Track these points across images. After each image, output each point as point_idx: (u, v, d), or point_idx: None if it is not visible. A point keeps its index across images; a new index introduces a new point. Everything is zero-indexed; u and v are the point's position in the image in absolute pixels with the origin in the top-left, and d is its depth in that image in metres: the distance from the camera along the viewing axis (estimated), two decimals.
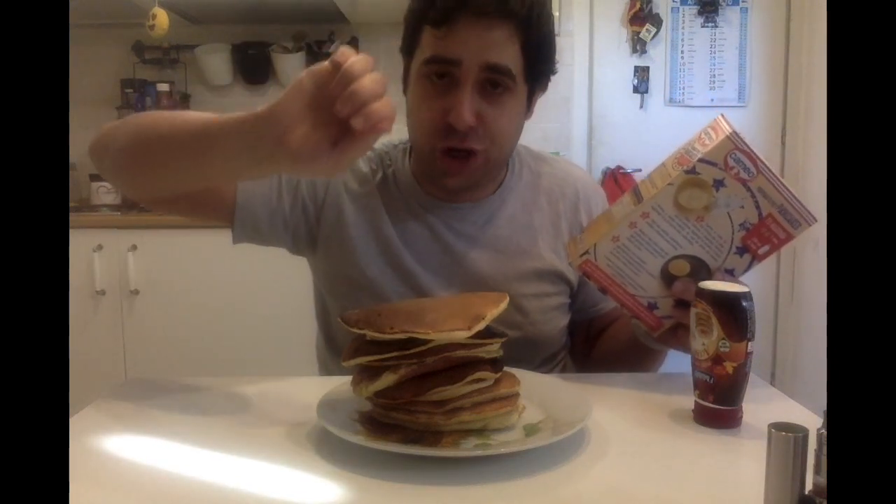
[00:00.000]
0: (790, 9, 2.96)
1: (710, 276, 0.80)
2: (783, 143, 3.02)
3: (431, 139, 0.93)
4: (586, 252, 0.78)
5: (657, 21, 2.98)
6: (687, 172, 0.75)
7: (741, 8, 3.00)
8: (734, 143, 0.74)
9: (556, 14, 2.98)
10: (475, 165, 0.93)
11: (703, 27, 3.01)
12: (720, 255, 0.80)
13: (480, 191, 1.02)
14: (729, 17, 3.00)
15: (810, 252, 2.87)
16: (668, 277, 0.80)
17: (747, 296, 0.73)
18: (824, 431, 0.50)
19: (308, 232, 1.01)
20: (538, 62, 0.94)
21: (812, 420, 0.70)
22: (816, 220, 0.78)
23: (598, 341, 1.07)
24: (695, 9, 2.99)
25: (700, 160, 0.74)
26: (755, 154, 0.75)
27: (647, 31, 2.98)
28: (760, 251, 0.80)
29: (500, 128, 0.92)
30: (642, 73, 3.02)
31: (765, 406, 0.80)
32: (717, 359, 0.73)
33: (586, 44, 3.01)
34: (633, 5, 2.97)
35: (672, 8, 3.00)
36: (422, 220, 1.01)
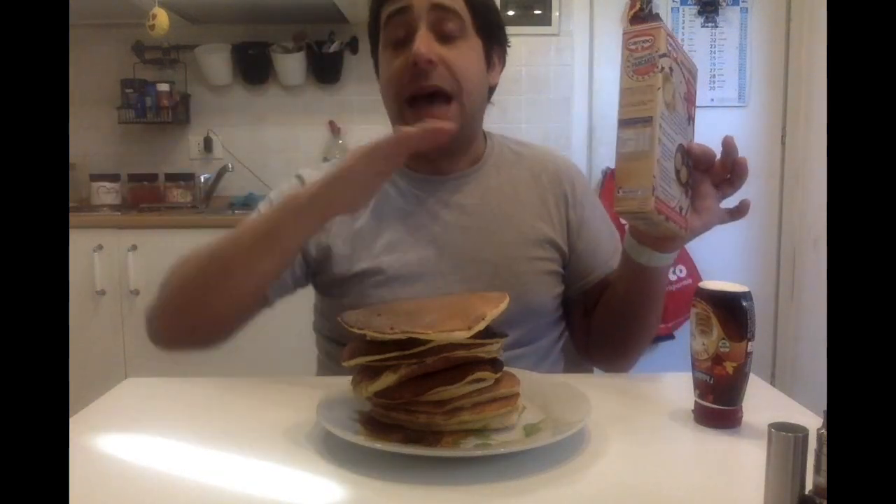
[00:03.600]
0: (790, 9, 2.96)
1: (687, 154, 0.83)
2: (783, 143, 3.01)
3: (401, 93, 0.97)
4: (654, 189, 0.76)
5: (657, 21, 2.98)
6: (660, 72, 0.77)
7: (741, 8, 3.00)
8: (666, 30, 0.78)
9: (556, 14, 2.99)
10: (448, 115, 0.96)
11: (703, 27, 3.01)
12: (686, 133, 0.83)
13: (461, 160, 1.06)
14: (729, 17, 3.00)
15: (810, 252, 2.87)
16: (676, 174, 0.81)
17: (747, 296, 0.73)
18: (824, 431, 0.50)
19: (311, 261, 1.04)
20: (484, 14, 1.00)
21: (812, 420, 0.70)
22: (696, 67, 0.87)
23: (596, 308, 1.07)
24: (695, 9, 2.99)
25: (661, 56, 0.77)
26: (672, 32, 0.81)
27: None
28: (692, 113, 0.85)
29: (463, 69, 0.97)
30: None
31: (765, 406, 0.80)
32: (717, 359, 0.73)
33: (586, 44, 3.01)
34: (633, 5, 2.97)
35: (672, 8, 3.00)
36: (410, 198, 1.04)
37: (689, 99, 0.84)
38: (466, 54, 0.98)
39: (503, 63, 1.08)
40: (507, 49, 1.08)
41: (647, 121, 0.76)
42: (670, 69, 0.78)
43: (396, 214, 1.03)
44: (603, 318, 1.05)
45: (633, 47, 0.78)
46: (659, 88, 0.76)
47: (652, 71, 0.77)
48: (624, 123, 0.78)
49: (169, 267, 0.94)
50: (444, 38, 0.96)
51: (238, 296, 0.91)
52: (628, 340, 1.03)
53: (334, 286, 1.02)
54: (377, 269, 0.99)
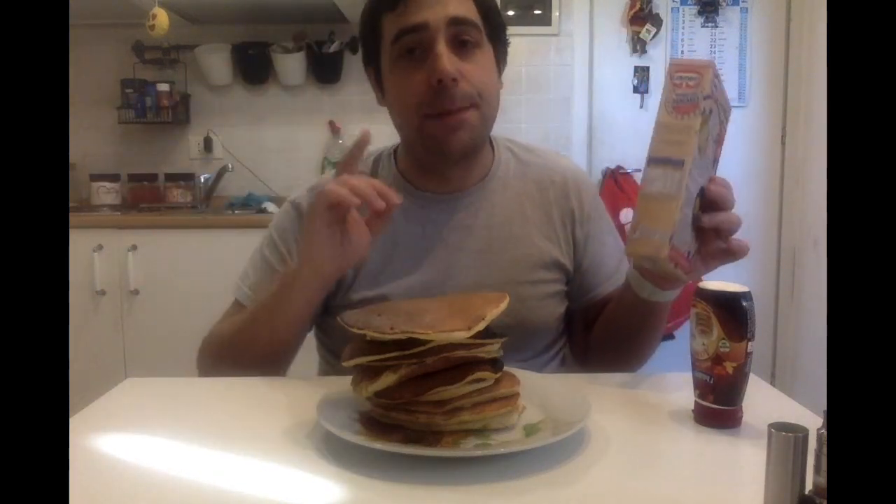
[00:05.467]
0: (790, 9, 2.97)
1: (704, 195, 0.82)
2: (783, 143, 3.02)
3: (421, 110, 0.93)
4: (671, 236, 0.73)
5: (657, 21, 2.98)
6: (701, 114, 0.74)
7: (741, 8, 3.00)
8: (714, 70, 0.76)
9: (556, 14, 2.99)
10: (470, 119, 0.94)
11: (703, 27, 3.01)
12: (708, 175, 0.81)
13: (470, 173, 1.03)
14: (729, 17, 3.00)
15: (810, 252, 2.87)
16: (695, 219, 0.80)
17: (747, 296, 0.73)
18: (824, 431, 0.50)
19: None
20: (492, 18, 0.98)
21: (812, 420, 0.70)
22: (731, 107, 0.84)
23: (595, 324, 1.07)
24: (695, 9, 3.00)
25: (705, 97, 0.74)
26: (717, 72, 0.78)
27: (647, 31, 2.98)
28: (718, 154, 0.83)
29: (483, 81, 0.94)
30: (642, 73, 3.03)
31: (765, 406, 0.80)
32: (717, 359, 0.73)
33: (586, 44, 3.01)
34: (633, 5, 2.97)
35: (672, 8, 3.00)
36: (412, 217, 1.01)
37: (719, 140, 0.82)
38: (485, 64, 0.96)
39: (505, 63, 1.05)
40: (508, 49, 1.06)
41: (679, 164, 0.74)
42: (710, 112, 0.76)
43: (400, 238, 1.00)
44: (602, 337, 1.05)
45: (677, 82, 0.75)
46: (697, 131, 0.74)
47: (693, 111, 0.74)
48: (654, 161, 0.75)
49: (198, 353, 0.99)
50: (462, 49, 0.93)
51: (272, 352, 0.94)
52: (626, 359, 1.03)
53: (337, 308, 1.01)
54: (380, 297, 0.98)
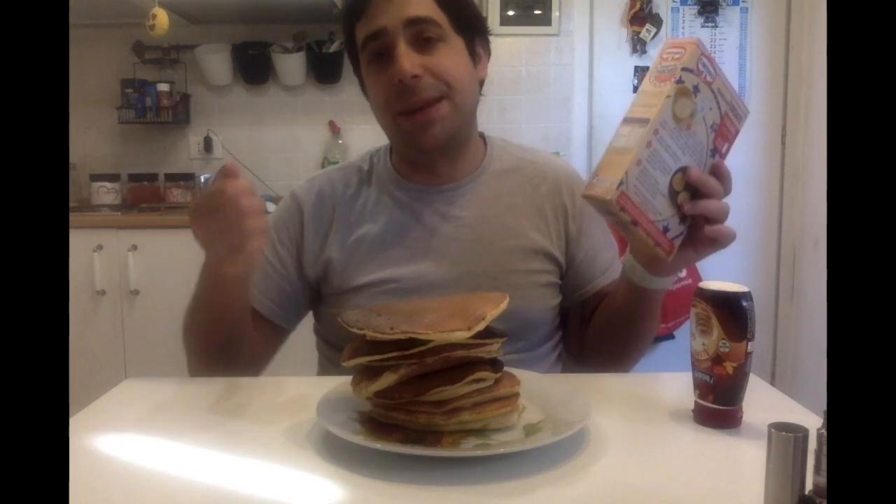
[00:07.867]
0: (790, 9, 2.96)
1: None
2: (783, 143, 3.01)
3: (391, 108, 0.97)
4: (621, 182, 0.75)
5: (657, 21, 2.98)
6: (677, 83, 0.77)
7: (741, 8, 2.99)
8: (700, 49, 0.78)
9: (556, 14, 2.99)
10: (441, 112, 0.96)
11: (703, 27, 3.01)
12: (702, 162, 0.82)
13: (459, 166, 1.05)
14: (729, 17, 3.00)
15: (810, 252, 2.87)
16: (672, 194, 0.81)
17: (747, 296, 0.73)
18: (824, 431, 0.50)
19: (313, 282, 1.06)
20: (459, 10, 1.00)
21: (812, 420, 0.70)
22: (749, 112, 0.86)
23: (591, 319, 1.07)
24: (695, 9, 2.99)
25: (683, 69, 0.77)
26: (713, 57, 0.80)
27: (647, 31, 2.98)
28: (723, 150, 0.84)
29: (449, 70, 0.96)
30: (642, 74, 3.02)
31: (765, 406, 0.80)
32: (717, 359, 0.73)
33: (586, 44, 3.01)
34: (633, 5, 2.97)
35: (672, 8, 3.00)
36: (407, 209, 1.04)
37: (722, 134, 0.83)
38: (450, 56, 0.98)
39: (489, 53, 1.07)
40: (490, 38, 1.08)
41: (644, 122, 0.77)
42: (694, 88, 0.78)
43: (394, 227, 1.02)
44: (598, 330, 1.05)
45: (665, 56, 0.79)
46: (668, 97, 0.76)
47: (669, 80, 0.77)
48: (625, 121, 0.79)
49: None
50: (425, 46, 0.96)
51: (230, 344, 0.96)
52: (622, 352, 1.04)
53: (331, 297, 1.02)
54: (373, 283, 0.99)
